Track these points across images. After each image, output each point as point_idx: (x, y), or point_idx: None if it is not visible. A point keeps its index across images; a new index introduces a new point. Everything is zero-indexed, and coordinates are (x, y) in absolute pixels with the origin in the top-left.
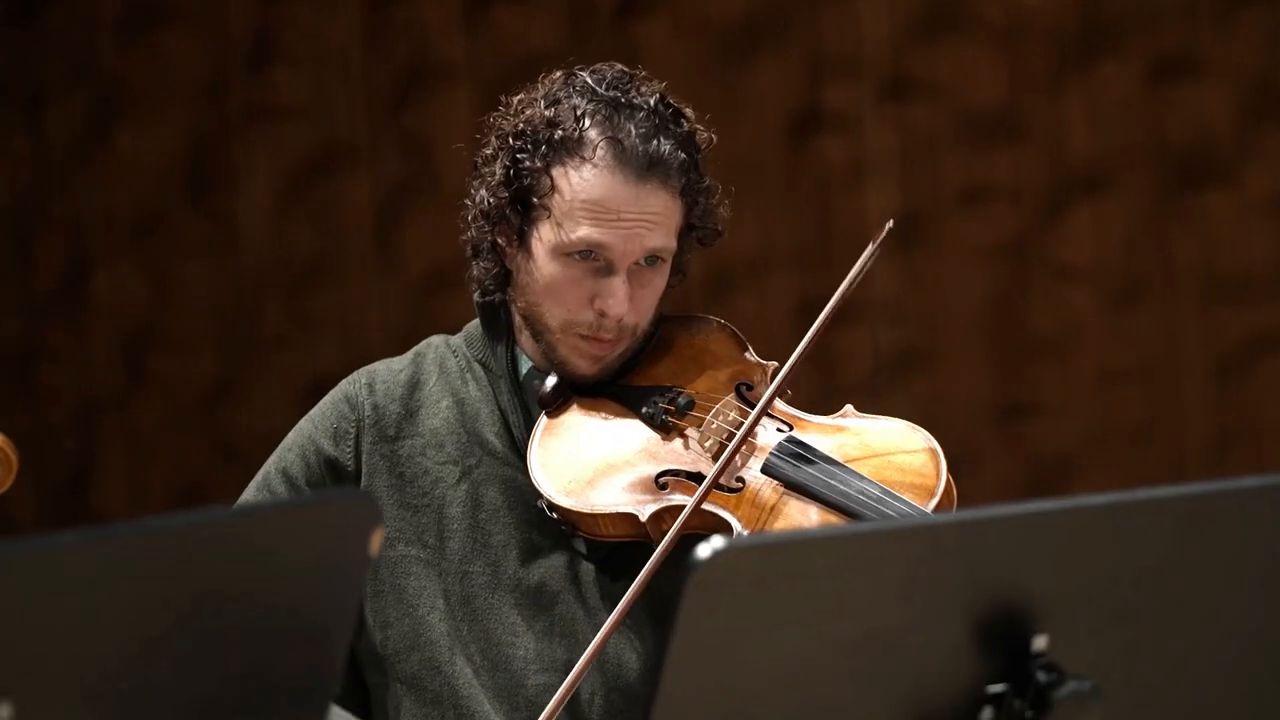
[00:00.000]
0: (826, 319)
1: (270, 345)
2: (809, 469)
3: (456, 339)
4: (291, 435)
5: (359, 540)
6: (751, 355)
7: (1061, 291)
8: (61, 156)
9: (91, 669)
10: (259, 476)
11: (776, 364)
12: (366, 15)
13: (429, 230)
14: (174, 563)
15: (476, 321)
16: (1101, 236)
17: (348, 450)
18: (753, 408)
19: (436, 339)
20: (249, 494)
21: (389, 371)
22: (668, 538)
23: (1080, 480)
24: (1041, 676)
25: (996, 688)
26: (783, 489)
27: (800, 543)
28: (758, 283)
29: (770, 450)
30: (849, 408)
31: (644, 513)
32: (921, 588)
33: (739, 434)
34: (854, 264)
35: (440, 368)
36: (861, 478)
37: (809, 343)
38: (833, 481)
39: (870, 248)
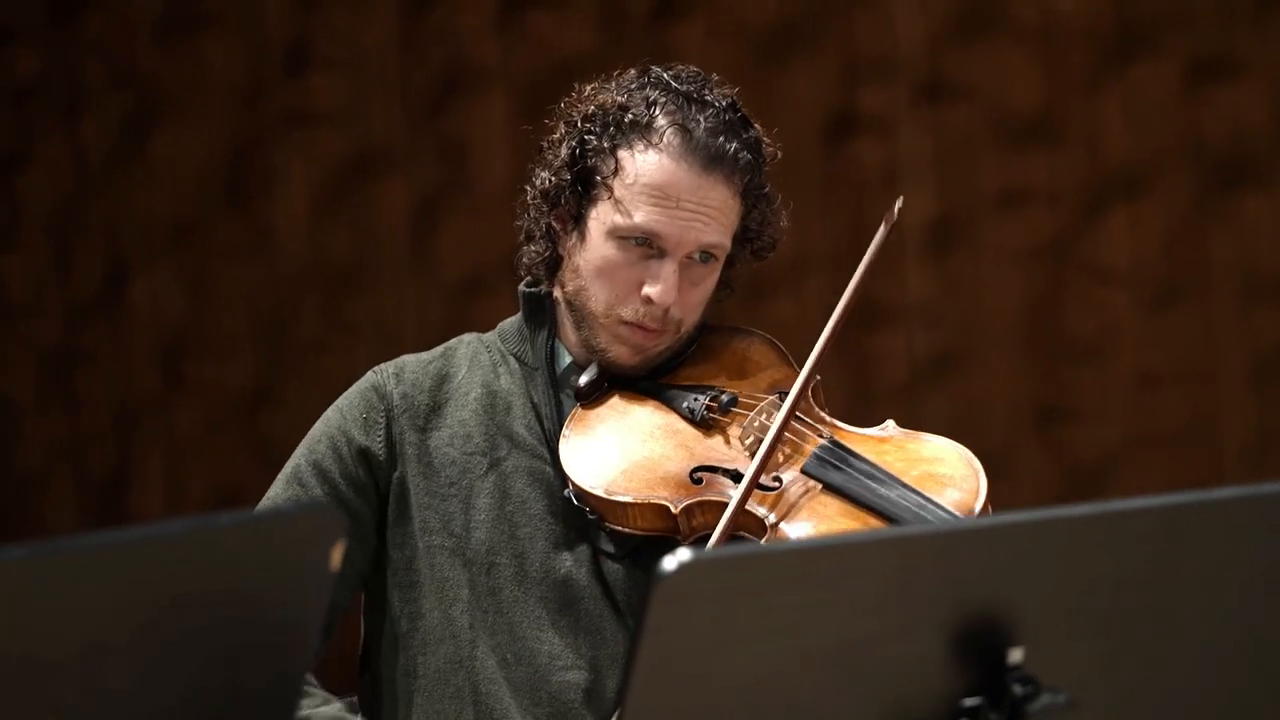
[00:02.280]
0: (850, 303)
1: (308, 349)
2: (849, 471)
3: (490, 335)
4: (319, 427)
5: (321, 551)
6: (794, 366)
7: (1099, 294)
8: (100, 161)
9: (57, 678)
10: (288, 470)
11: (819, 377)
12: (402, 21)
13: (465, 234)
14: (138, 574)
15: (512, 319)
16: (1139, 239)
17: (379, 439)
18: (795, 412)
19: (469, 335)
20: (278, 489)
21: (418, 363)
22: (719, 531)
23: (1118, 484)
24: (1017, 689)
25: (972, 701)
26: (820, 490)
27: (769, 555)
28: (794, 286)
29: (811, 452)
30: (890, 422)
31: (677, 505)
32: (895, 600)
33: (775, 424)
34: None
35: (472, 361)
36: (902, 484)
37: (836, 325)
38: (873, 484)
39: (883, 228)
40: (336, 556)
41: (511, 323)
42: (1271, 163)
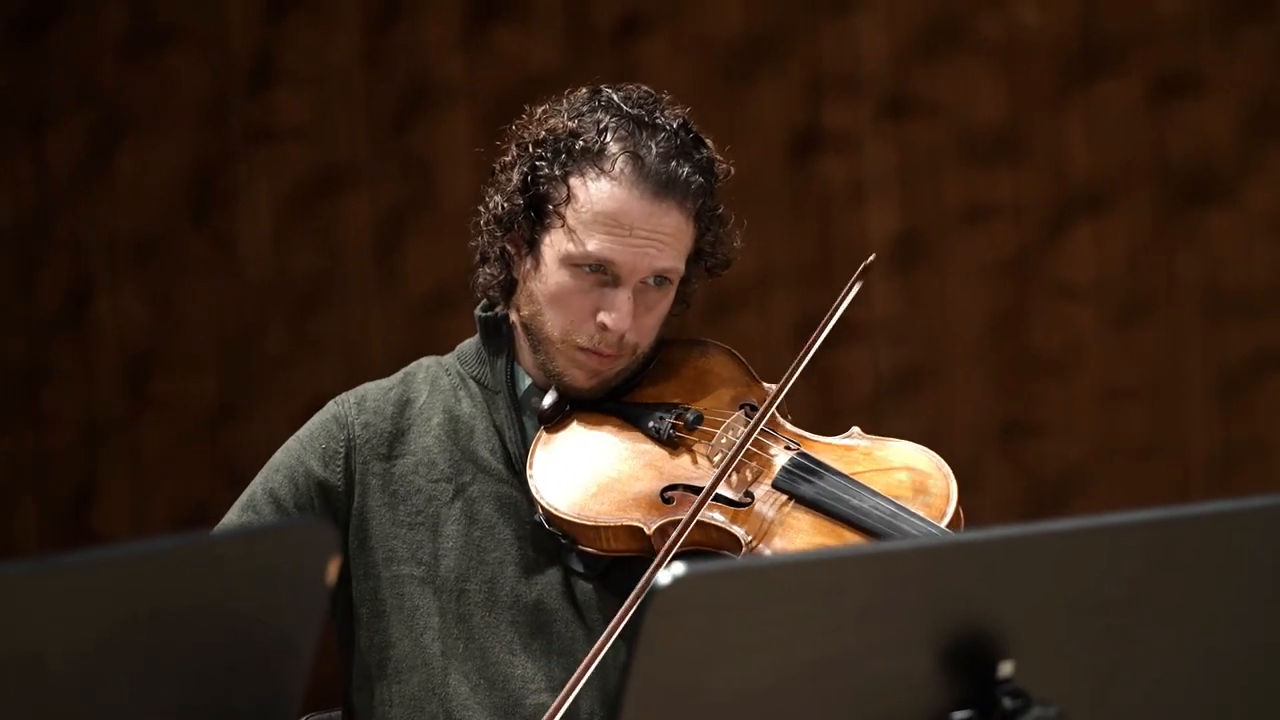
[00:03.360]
0: (812, 346)
1: (272, 366)
2: (820, 484)
3: (448, 358)
4: (279, 456)
5: (316, 567)
6: (755, 377)
7: (1063, 310)
8: (63, 178)
9: (51, 692)
10: (244, 497)
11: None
12: (367, 36)
13: (430, 250)
14: (128, 591)
15: (470, 340)
16: (1103, 254)
17: (337, 471)
18: (761, 427)
19: (427, 359)
20: (233, 515)
21: (378, 390)
22: (666, 548)
23: (1083, 499)
24: (1007, 703)
25: (962, 714)
26: (792, 504)
27: (761, 569)
28: (759, 302)
29: (780, 467)
30: (856, 429)
31: (650, 525)
32: (884, 614)
33: (739, 442)
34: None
35: (432, 385)
36: (874, 493)
37: (799, 366)
38: (845, 495)
39: (852, 282)
40: (332, 572)
41: (470, 345)
42: (1235, 179)
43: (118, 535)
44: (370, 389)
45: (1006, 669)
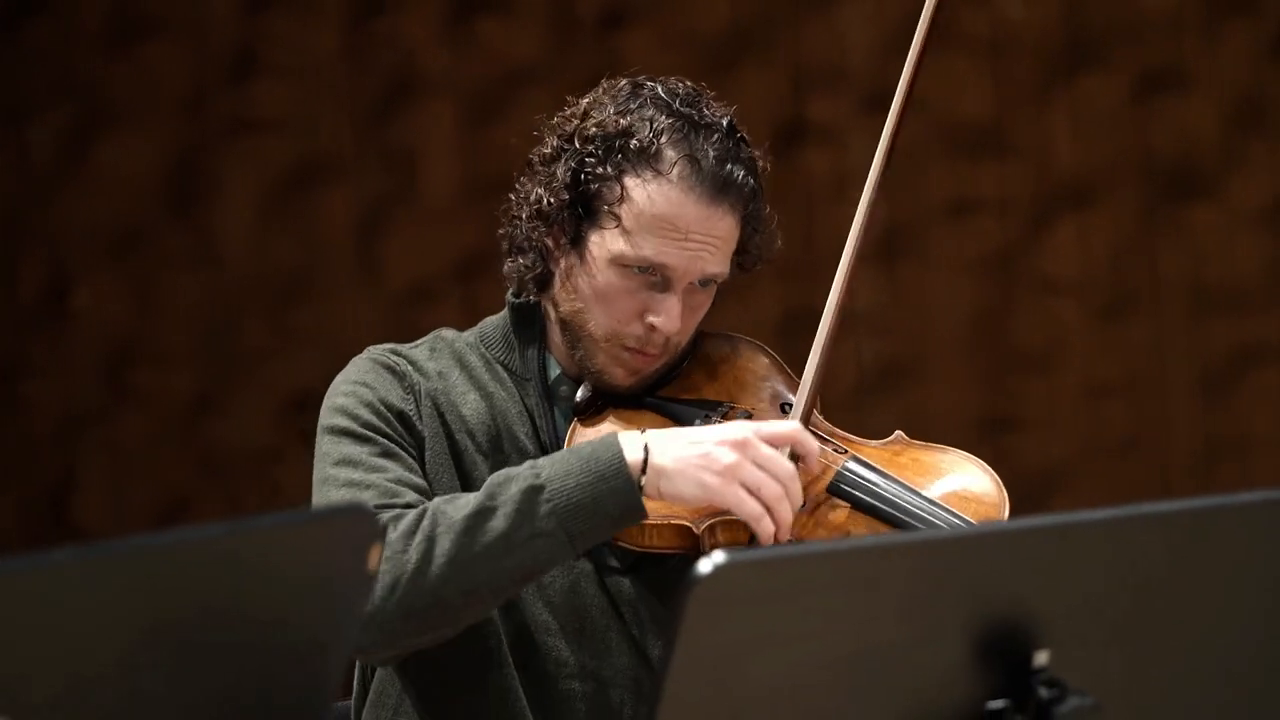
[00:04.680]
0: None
1: (252, 359)
2: (876, 489)
3: (470, 335)
4: (340, 400)
5: (357, 556)
6: (789, 373)
7: (1047, 305)
8: (43, 170)
9: (86, 686)
10: (336, 454)
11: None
12: (348, 28)
13: (411, 243)
14: (169, 580)
15: (494, 322)
16: (1087, 250)
17: (411, 406)
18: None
19: (447, 332)
20: (328, 487)
21: (414, 352)
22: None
23: (1065, 495)
24: (1043, 692)
25: (997, 704)
26: (847, 509)
27: (799, 558)
28: (742, 294)
29: (835, 471)
30: (899, 433)
31: (699, 524)
32: (921, 604)
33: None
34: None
35: (460, 362)
36: (930, 500)
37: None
38: (901, 502)
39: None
40: (373, 559)
41: (495, 327)
42: (1219, 175)
43: (97, 528)
44: (405, 350)
45: (1042, 658)
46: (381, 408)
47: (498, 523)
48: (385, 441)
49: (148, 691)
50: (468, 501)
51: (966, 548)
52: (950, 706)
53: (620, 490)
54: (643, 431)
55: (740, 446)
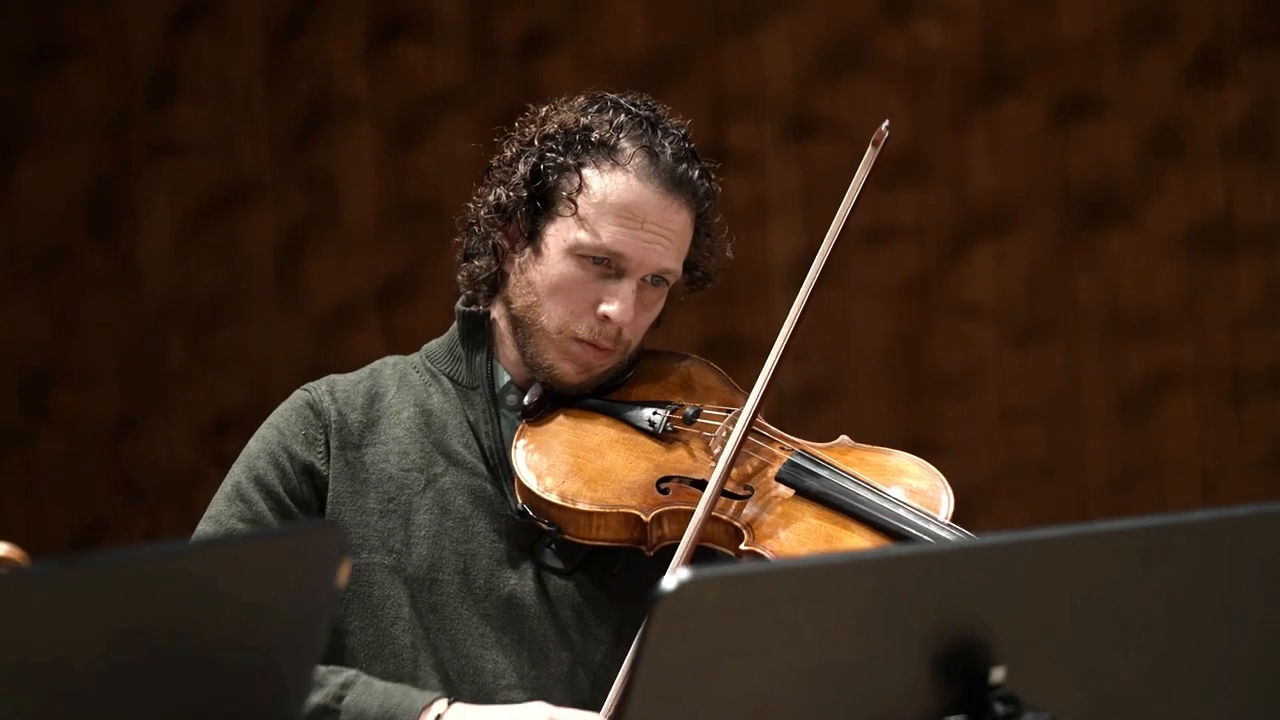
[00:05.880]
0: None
1: (173, 381)
2: (823, 477)
3: (415, 357)
4: (255, 444)
5: (328, 571)
6: (736, 388)
7: (965, 330)
8: None
9: (55, 699)
10: (227, 488)
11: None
12: (269, 51)
13: (332, 266)
14: (142, 593)
15: (439, 340)
16: (1004, 275)
17: (319, 454)
18: (753, 426)
19: (391, 358)
20: (220, 505)
21: (348, 382)
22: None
23: (983, 518)
24: (999, 708)
25: (955, 719)
26: (793, 496)
27: (763, 574)
28: (666, 318)
29: (782, 461)
30: (844, 437)
31: (647, 513)
32: (881, 619)
33: (738, 429)
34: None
35: (401, 381)
36: (875, 488)
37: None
38: (848, 487)
39: (871, 150)
40: (343, 574)
41: (439, 344)
42: (1135, 201)
43: None
44: (338, 379)
45: (999, 675)
46: (283, 458)
47: None
48: (261, 506)
49: (121, 703)
50: None
51: (926, 563)
52: None
53: None
54: (449, 703)
55: None
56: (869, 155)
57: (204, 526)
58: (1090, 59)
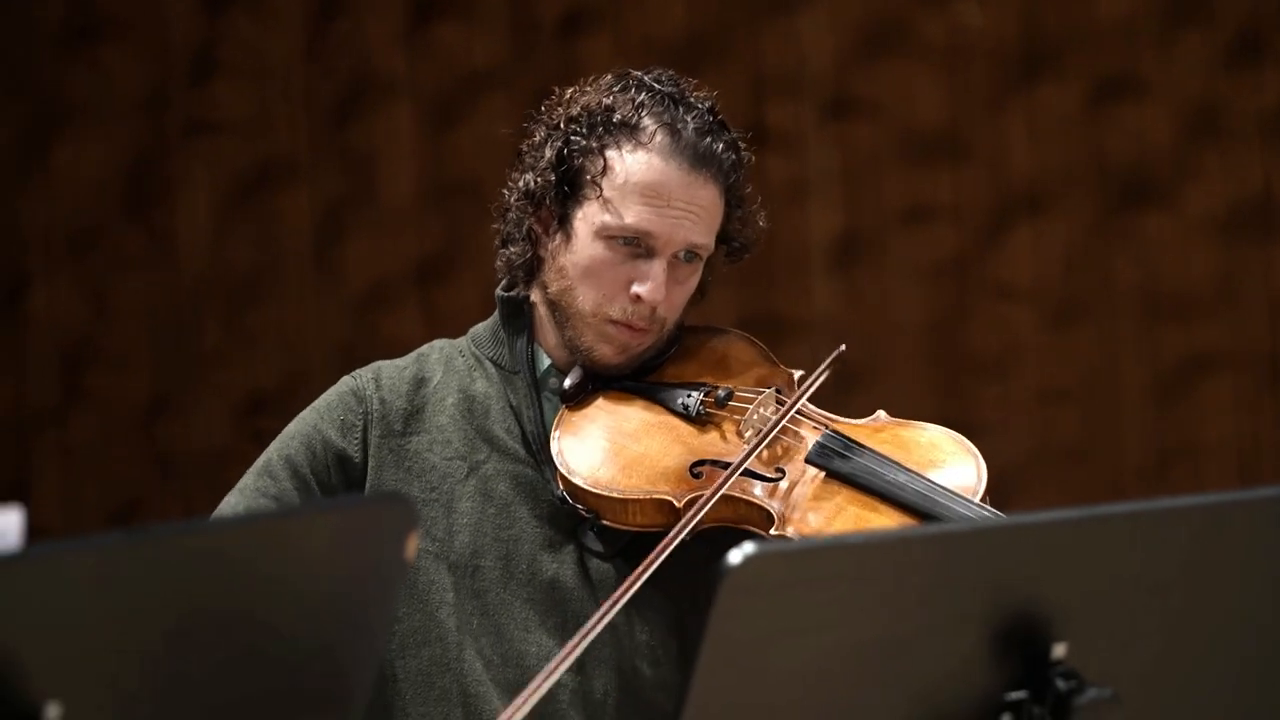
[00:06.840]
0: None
1: (208, 361)
2: (854, 459)
3: (461, 341)
4: (294, 425)
5: (396, 544)
6: (776, 363)
7: (1001, 311)
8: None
9: (131, 670)
10: (259, 463)
11: (803, 371)
12: (308, 30)
13: (369, 246)
14: (213, 565)
15: (484, 323)
16: (1042, 256)
17: (355, 442)
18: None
19: (439, 341)
20: (249, 480)
21: (393, 368)
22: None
23: (1018, 500)
24: (1061, 684)
25: (1016, 695)
26: (824, 479)
27: (826, 548)
28: (701, 292)
29: (813, 442)
30: (881, 413)
31: (679, 499)
32: (942, 594)
33: (775, 418)
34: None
35: (446, 365)
36: (907, 470)
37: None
38: (880, 469)
39: (821, 368)
40: (411, 548)
41: (484, 327)
42: (1173, 182)
43: (49, 529)
44: (385, 366)
45: (1060, 651)
46: (317, 441)
47: None
48: (287, 484)
49: (190, 675)
50: None
51: (988, 539)
52: (970, 696)
53: None
54: None
55: None
56: (821, 368)
57: (229, 497)
58: (1128, 40)
